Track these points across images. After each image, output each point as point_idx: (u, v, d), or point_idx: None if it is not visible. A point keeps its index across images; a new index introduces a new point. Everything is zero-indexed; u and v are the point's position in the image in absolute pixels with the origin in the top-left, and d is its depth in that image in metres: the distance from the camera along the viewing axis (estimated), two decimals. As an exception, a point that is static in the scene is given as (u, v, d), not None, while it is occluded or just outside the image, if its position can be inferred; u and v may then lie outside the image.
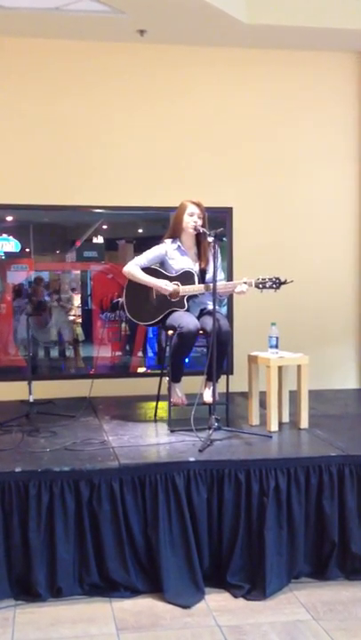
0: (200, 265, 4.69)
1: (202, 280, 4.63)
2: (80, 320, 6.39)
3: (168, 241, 4.74)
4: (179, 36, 5.76)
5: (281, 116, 6.19)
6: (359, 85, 6.31)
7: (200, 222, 4.63)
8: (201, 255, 4.70)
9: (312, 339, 6.03)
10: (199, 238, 4.69)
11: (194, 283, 4.61)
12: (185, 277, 4.63)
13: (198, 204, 4.66)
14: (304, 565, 3.89)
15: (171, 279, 4.65)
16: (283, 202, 6.22)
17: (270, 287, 4.48)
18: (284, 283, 4.48)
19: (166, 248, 4.73)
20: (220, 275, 4.58)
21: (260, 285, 4.50)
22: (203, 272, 4.66)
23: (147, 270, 4.71)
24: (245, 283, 4.52)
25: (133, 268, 4.71)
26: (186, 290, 4.60)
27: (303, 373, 4.60)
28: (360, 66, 6.30)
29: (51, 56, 5.82)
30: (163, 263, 4.75)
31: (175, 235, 4.74)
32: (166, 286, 4.59)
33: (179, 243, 4.73)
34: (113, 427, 4.70)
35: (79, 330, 6.39)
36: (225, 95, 6.10)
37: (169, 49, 5.94)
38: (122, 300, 4.85)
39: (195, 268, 4.67)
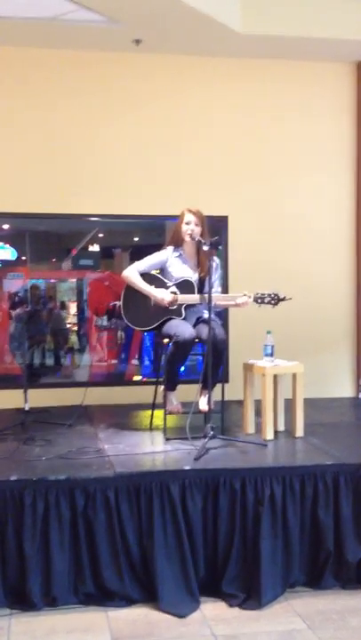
0: (199, 274, 4.70)
1: (200, 289, 4.64)
2: (75, 328, 6.40)
3: (170, 248, 4.76)
4: (174, 45, 5.79)
5: (277, 125, 6.22)
6: (355, 95, 6.35)
7: (197, 230, 4.64)
8: (200, 264, 4.71)
9: (307, 347, 6.04)
10: (199, 247, 4.70)
11: (193, 292, 4.61)
12: (184, 286, 4.64)
13: (195, 213, 4.68)
14: (299, 574, 3.88)
15: (169, 287, 4.66)
16: (279, 211, 6.24)
17: (268, 303, 4.51)
18: (283, 299, 4.50)
19: (168, 255, 4.74)
20: (217, 289, 4.59)
21: (259, 300, 4.52)
22: (201, 281, 4.67)
23: (146, 276, 4.72)
24: (246, 296, 4.52)
25: (132, 273, 4.71)
26: (184, 299, 4.61)
27: (298, 382, 4.61)
28: (355, 76, 6.34)
29: (47, 65, 5.85)
30: (163, 270, 4.75)
31: (176, 243, 4.75)
32: (163, 297, 4.60)
33: (181, 251, 4.75)
34: (108, 435, 4.69)
35: (74, 338, 6.40)
36: (221, 104, 6.13)
37: (164, 58, 5.98)
38: (119, 303, 4.86)
39: (194, 276, 4.68)
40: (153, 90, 6.03)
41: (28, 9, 5.06)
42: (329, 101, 6.33)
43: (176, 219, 4.78)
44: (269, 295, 4.50)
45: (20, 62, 5.80)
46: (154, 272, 4.76)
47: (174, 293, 4.63)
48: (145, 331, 4.96)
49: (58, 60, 5.84)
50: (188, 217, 4.67)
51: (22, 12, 5.12)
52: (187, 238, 4.66)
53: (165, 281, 4.70)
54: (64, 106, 5.89)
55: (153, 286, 4.67)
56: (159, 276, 4.74)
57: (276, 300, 4.50)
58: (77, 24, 5.29)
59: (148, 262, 4.75)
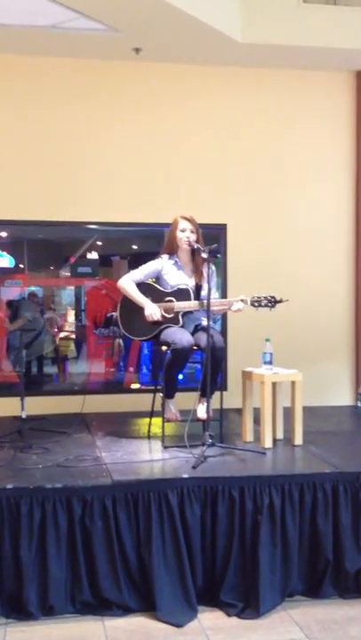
0: (195, 280, 4.69)
1: (197, 295, 4.63)
2: (73, 336, 6.39)
3: (165, 256, 4.75)
4: (174, 54, 5.80)
5: (276, 133, 6.24)
6: (354, 104, 6.36)
7: (193, 237, 4.64)
8: (196, 270, 4.71)
9: (306, 355, 6.02)
10: (194, 253, 4.70)
11: (189, 299, 4.60)
12: (180, 293, 4.63)
13: (190, 220, 4.67)
14: (298, 583, 3.86)
15: (166, 294, 4.65)
16: (277, 218, 6.24)
17: (266, 306, 4.49)
18: (280, 301, 4.49)
19: (163, 263, 4.73)
20: (215, 294, 4.59)
21: (256, 304, 4.50)
22: (198, 287, 4.66)
23: (142, 285, 4.71)
24: (242, 300, 4.51)
25: (128, 283, 4.71)
26: (180, 306, 4.60)
27: (297, 390, 4.59)
28: (354, 85, 6.36)
29: (46, 73, 5.86)
30: (158, 278, 4.75)
31: (171, 251, 4.75)
32: (152, 313, 4.59)
33: (175, 258, 4.74)
34: (106, 443, 4.67)
35: (71, 346, 6.38)
36: (220, 113, 6.14)
37: (164, 67, 5.98)
38: (116, 314, 4.85)
39: (190, 283, 4.67)
40: (152, 98, 6.03)
41: (28, 17, 5.07)
42: (328, 110, 6.35)
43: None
44: (266, 298, 4.48)
45: (20, 70, 5.81)
46: (150, 281, 4.76)
47: (170, 301, 4.62)
48: (143, 340, 4.94)
49: (58, 68, 5.85)
50: (184, 224, 4.66)
51: (22, 20, 5.12)
52: (184, 246, 4.65)
53: (161, 289, 4.69)
54: (63, 114, 5.89)
55: (149, 298, 4.66)
56: (155, 284, 4.74)
57: (273, 302, 4.48)
58: (77, 32, 5.30)
59: (143, 271, 4.74)
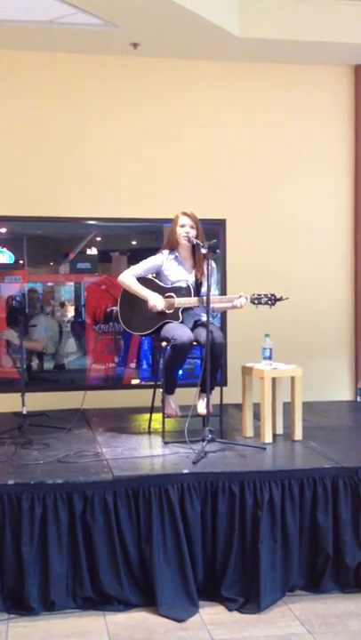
0: (196, 276, 4.69)
1: (197, 291, 4.63)
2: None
3: (165, 252, 4.75)
4: (172, 49, 5.79)
5: (275, 129, 6.23)
6: (352, 99, 6.35)
7: (193, 233, 4.64)
8: (196, 266, 4.71)
9: (305, 350, 6.03)
10: (195, 249, 4.70)
11: (189, 295, 4.61)
12: (180, 289, 4.63)
13: (190, 215, 4.68)
14: (298, 578, 3.87)
15: (166, 290, 4.66)
16: (276, 214, 6.24)
17: (265, 303, 4.51)
18: (280, 299, 4.51)
19: (163, 259, 4.73)
20: (214, 291, 4.59)
21: (256, 301, 4.52)
22: (198, 283, 4.67)
23: (142, 280, 4.72)
24: (243, 297, 4.52)
25: (129, 278, 4.71)
26: (180, 302, 4.60)
27: (297, 385, 4.60)
28: (353, 79, 6.34)
29: (44, 69, 5.84)
30: (159, 274, 4.75)
31: (172, 247, 4.75)
32: (155, 304, 4.59)
33: (176, 254, 4.74)
34: (107, 439, 4.68)
35: (72, 341, 6.38)
36: (219, 108, 6.13)
37: (162, 62, 5.98)
38: (116, 308, 4.85)
39: (190, 279, 4.68)
40: (151, 93, 6.02)
41: (26, 12, 5.06)
42: (327, 105, 6.34)
43: (174, 222, 4.77)
44: (266, 295, 4.50)
45: (18, 65, 5.80)
46: (150, 276, 4.76)
47: (171, 297, 4.63)
48: (142, 335, 4.94)
49: (56, 64, 5.84)
50: (183, 219, 4.67)
51: (20, 16, 5.11)
52: (183, 241, 4.66)
53: (162, 285, 4.69)
54: (61, 109, 5.88)
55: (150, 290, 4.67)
56: (155, 280, 4.74)
57: (273, 300, 4.50)
58: (75, 27, 5.29)
59: (144, 266, 4.74)
